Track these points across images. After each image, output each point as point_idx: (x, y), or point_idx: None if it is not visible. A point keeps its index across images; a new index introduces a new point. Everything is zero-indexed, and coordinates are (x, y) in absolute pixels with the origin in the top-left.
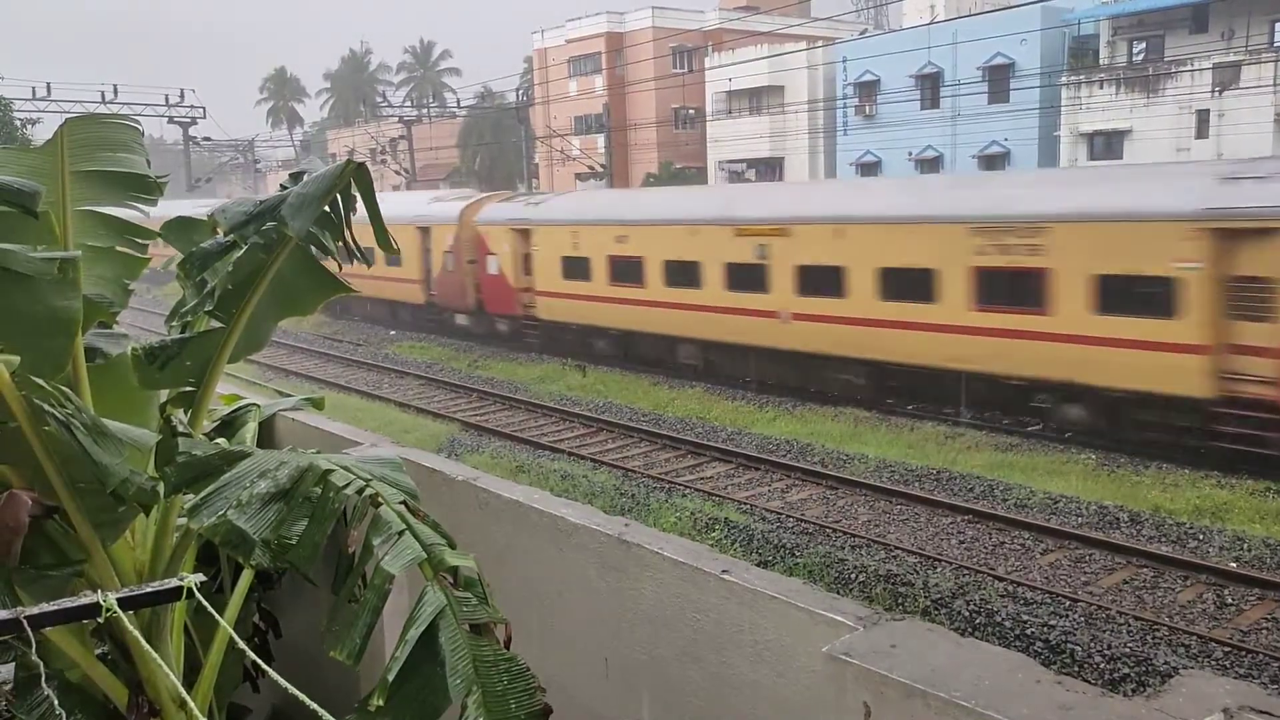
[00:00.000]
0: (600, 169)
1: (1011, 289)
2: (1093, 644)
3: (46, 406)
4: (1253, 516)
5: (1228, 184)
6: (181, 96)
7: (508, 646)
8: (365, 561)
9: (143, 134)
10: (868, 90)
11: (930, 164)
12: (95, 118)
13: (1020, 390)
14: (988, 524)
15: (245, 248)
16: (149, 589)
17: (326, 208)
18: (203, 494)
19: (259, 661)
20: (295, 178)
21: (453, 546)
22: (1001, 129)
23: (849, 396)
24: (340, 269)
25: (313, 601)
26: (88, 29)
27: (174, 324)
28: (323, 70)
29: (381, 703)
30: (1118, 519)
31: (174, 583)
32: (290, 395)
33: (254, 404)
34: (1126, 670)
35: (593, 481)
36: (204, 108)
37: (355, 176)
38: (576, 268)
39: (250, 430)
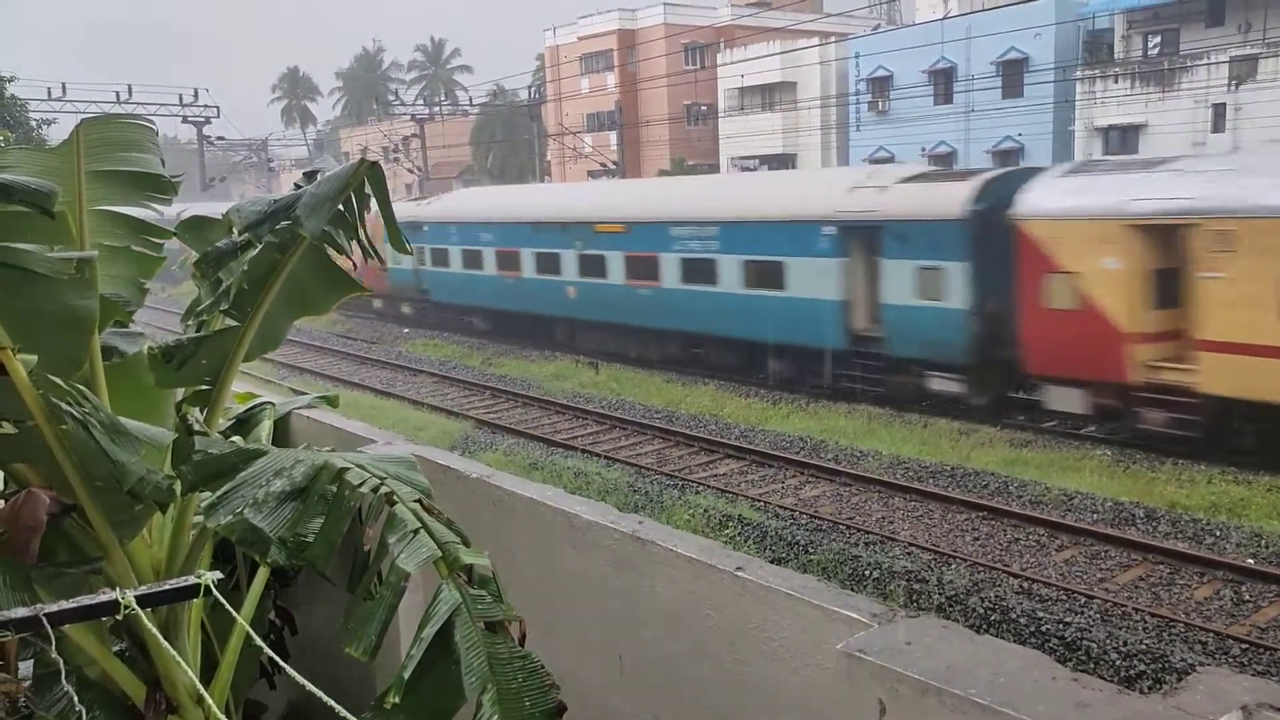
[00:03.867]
0: (612, 166)
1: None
2: (1108, 641)
3: (64, 405)
4: (1270, 512)
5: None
6: (195, 96)
7: (522, 644)
8: (380, 559)
9: (157, 134)
10: (880, 86)
11: (944, 160)
12: (110, 118)
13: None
14: (1002, 520)
15: (260, 247)
16: (166, 586)
17: (340, 207)
18: (219, 492)
19: (275, 658)
20: (309, 177)
21: (467, 544)
22: (1015, 124)
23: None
24: (355, 268)
25: (328, 599)
26: (102, 29)
27: (190, 323)
28: (335, 69)
29: (397, 700)
30: (1133, 515)
31: (191, 580)
32: (305, 393)
33: (269, 402)
34: (1143, 667)
35: (606, 479)
36: (218, 107)
37: (368, 175)
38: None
39: (265, 428)
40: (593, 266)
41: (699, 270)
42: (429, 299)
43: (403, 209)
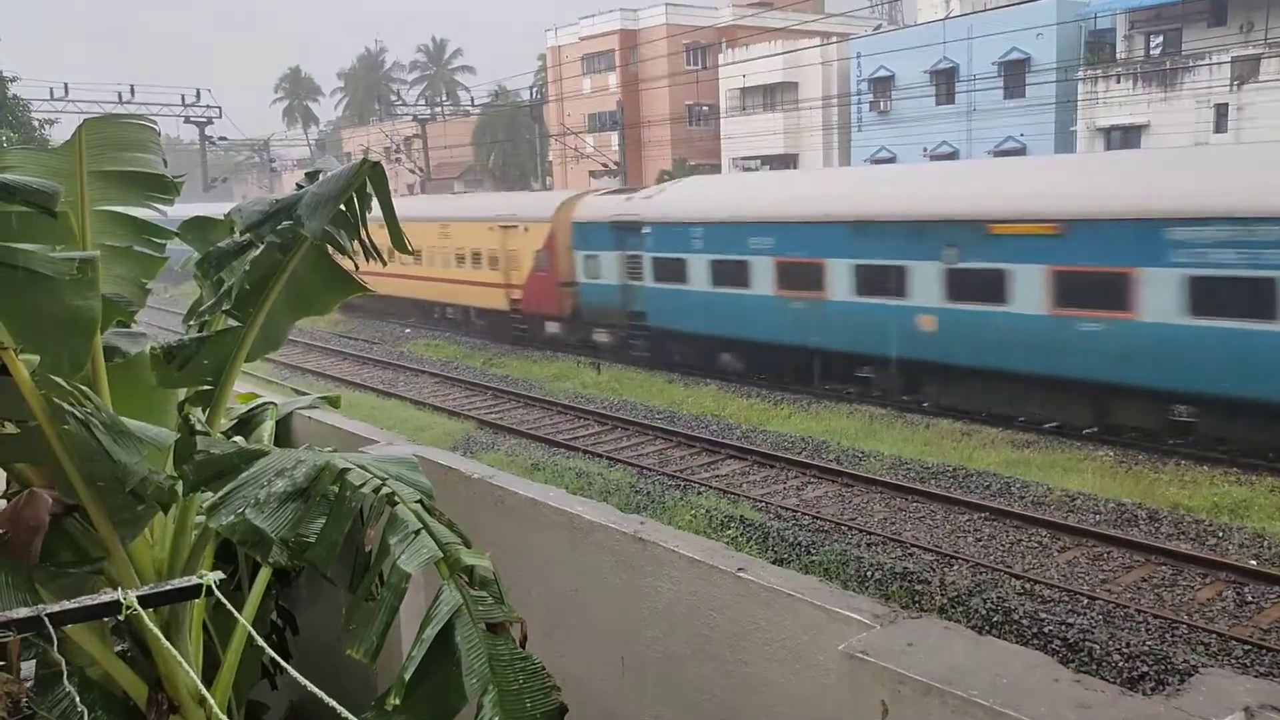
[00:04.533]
0: (614, 166)
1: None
2: (1111, 642)
3: (66, 405)
4: (1272, 514)
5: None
6: (198, 96)
7: (523, 645)
8: (382, 560)
9: (159, 134)
10: (882, 86)
11: (945, 160)
12: (113, 118)
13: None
14: (1004, 521)
15: (262, 247)
16: (168, 587)
17: (342, 207)
18: (221, 492)
19: (277, 659)
20: (311, 177)
21: (468, 545)
22: (1017, 124)
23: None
24: (357, 269)
25: (330, 599)
26: (105, 29)
27: (192, 323)
28: (337, 69)
29: (398, 701)
30: (1136, 516)
31: (193, 580)
32: (306, 394)
33: (271, 402)
34: (1145, 669)
35: (608, 479)
36: (219, 107)
37: (370, 175)
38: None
39: (267, 429)
40: (978, 286)
41: (1242, 297)
42: (644, 325)
43: (609, 205)
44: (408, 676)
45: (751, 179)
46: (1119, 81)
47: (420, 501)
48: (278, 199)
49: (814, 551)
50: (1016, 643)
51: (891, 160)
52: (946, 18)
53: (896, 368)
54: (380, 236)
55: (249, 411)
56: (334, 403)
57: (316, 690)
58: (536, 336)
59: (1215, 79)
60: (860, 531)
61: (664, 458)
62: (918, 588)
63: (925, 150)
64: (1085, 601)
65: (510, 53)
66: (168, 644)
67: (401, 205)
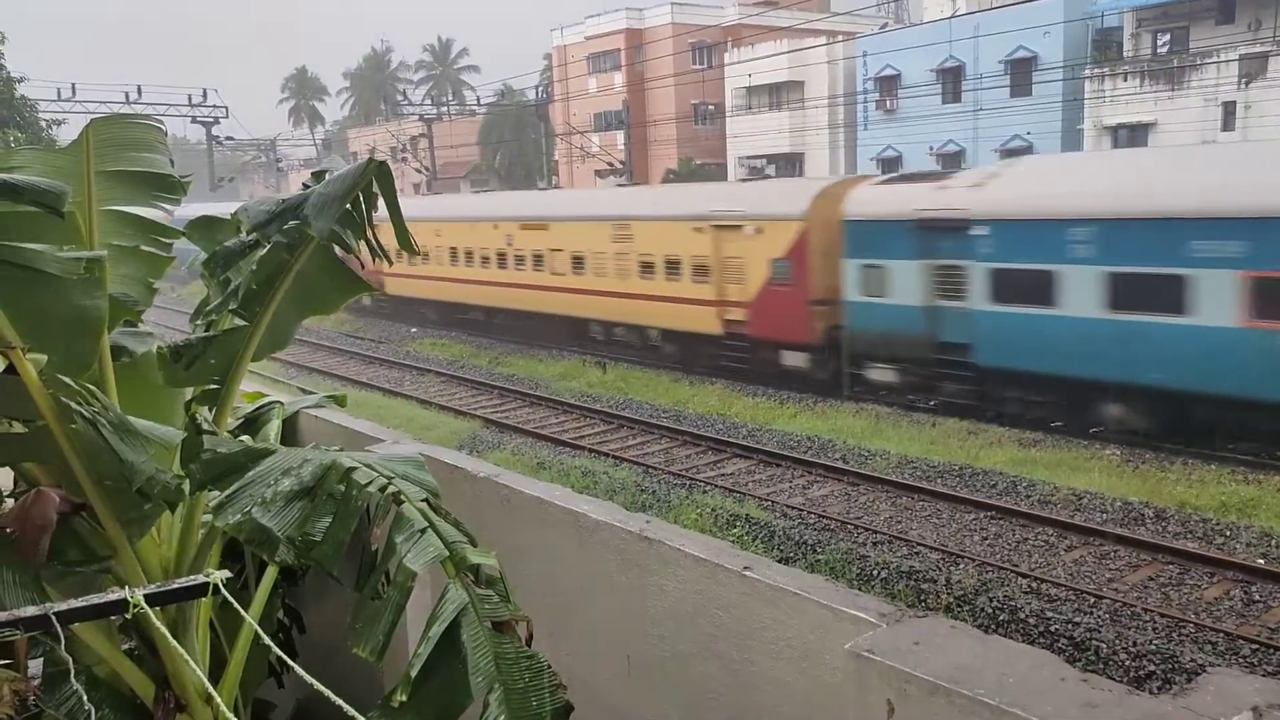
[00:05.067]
0: (620, 165)
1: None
2: (1118, 641)
3: (74, 405)
4: None
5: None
6: (204, 96)
7: (529, 644)
8: (388, 559)
9: (166, 134)
10: (888, 85)
11: (952, 159)
12: (120, 118)
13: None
14: (1011, 520)
15: (268, 247)
16: (175, 585)
17: (349, 206)
18: (227, 491)
19: (284, 657)
20: (317, 177)
21: (474, 544)
22: (1024, 123)
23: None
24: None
25: (336, 598)
26: (111, 30)
27: (198, 323)
28: (343, 69)
29: (404, 699)
30: (1143, 515)
31: (200, 579)
32: (313, 393)
33: (277, 401)
34: (1152, 668)
35: (614, 478)
36: (226, 107)
37: (376, 175)
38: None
39: (274, 428)
40: None
41: None
42: (966, 361)
43: (908, 196)
44: (414, 674)
45: (1169, 155)
46: (1126, 80)
47: (426, 500)
48: (284, 198)
49: (820, 550)
50: (1023, 642)
51: (898, 159)
52: (953, 16)
53: None
54: (491, 239)
55: (255, 410)
56: (340, 402)
57: (323, 688)
58: (765, 369)
59: (1223, 77)
60: (866, 530)
61: (670, 457)
62: (924, 586)
63: (931, 149)
64: (1092, 600)
65: (516, 52)
66: (175, 642)
67: (559, 200)
